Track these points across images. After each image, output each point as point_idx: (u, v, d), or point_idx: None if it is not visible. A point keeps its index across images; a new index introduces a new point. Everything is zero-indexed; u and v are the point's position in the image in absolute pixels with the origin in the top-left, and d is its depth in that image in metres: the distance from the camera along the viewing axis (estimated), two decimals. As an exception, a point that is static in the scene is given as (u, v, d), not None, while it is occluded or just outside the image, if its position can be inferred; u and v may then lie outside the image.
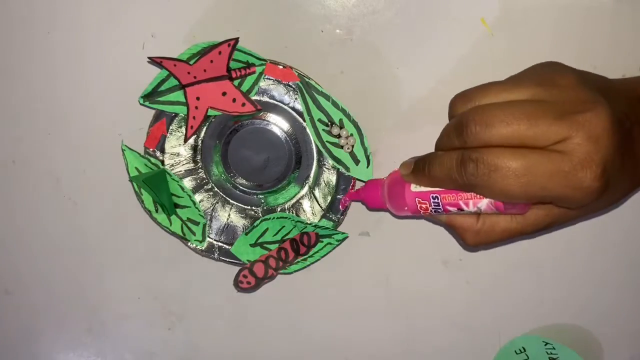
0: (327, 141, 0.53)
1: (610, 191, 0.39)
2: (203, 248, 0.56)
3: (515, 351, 0.59)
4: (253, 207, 0.56)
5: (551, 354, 0.58)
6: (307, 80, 0.51)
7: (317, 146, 0.53)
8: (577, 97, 0.39)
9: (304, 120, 0.53)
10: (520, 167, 0.38)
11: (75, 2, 0.53)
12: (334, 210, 0.55)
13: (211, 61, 0.50)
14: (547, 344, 0.58)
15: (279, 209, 0.56)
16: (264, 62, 0.51)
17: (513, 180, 0.38)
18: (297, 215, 0.55)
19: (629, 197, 0.47)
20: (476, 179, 0.40)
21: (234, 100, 0.51)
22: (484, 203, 0.42)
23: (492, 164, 0.39)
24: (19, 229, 0.59)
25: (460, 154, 0.41)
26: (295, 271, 0.56)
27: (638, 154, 0.41)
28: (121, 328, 0.62)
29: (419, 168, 0.45)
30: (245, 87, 0.51)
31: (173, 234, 0.55)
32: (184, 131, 0.53)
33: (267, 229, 0.55)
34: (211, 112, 0.52)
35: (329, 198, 0.55)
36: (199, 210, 0.55)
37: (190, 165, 0.55)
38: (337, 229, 0.55)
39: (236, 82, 0.51)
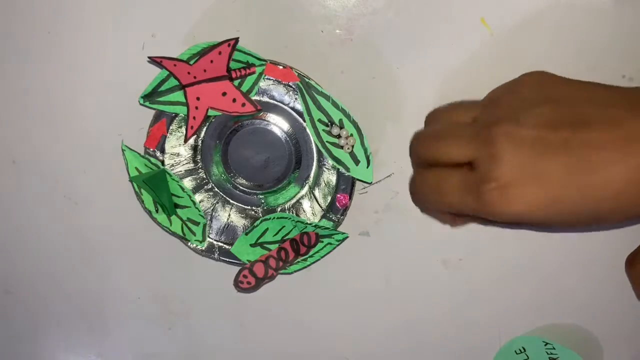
0: (327, 141, 0.53)
1: (537, 202, 0.40)
2: (203, 248, 0.56)
3: (515, 351, 0.59)
4: (253, 207, 0.56)
5: (551, 354, 0.58)
6: (307, 80, 0.51)
7: (317, 146, 0.53)
8: (494, 114, 0.43)
9: (304, 121, 0.53)
10: (434, 184, 0.45)
11: (75, 2, 0.53)
12: (334, 210, 0.55)
13: (211, 61, 0.50)
14: (547, 344, 0.58)
15: (279, 209, 0.56)
16: (264, 62, 0.51)
17: (432, 195, 0.46)
18: (297, 215, 0.55)
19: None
20: (419, 196, 0.48)
21: (234, 100, 0.51)
22: None
23: (419, 181, 0.48)
24: (19, 229, 0.59)
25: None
26: (295, 271, 0.56)
27: (588, 162, 0.40)
28: (121, 328, 0.62)
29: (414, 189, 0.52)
30: (245, 87, 0.51)
31: (173, 234, 0.55)
32: (184, 131, 0.53)
33: (267, 229, 0.55)
34: (211, 112, 0.52)
35: (329, 198, 0.55)
36: (199, 210, 0.55)
37: (190, 165, 0.55)
38: (337, 229, 0.55)
39: (236, 82, 0.51)
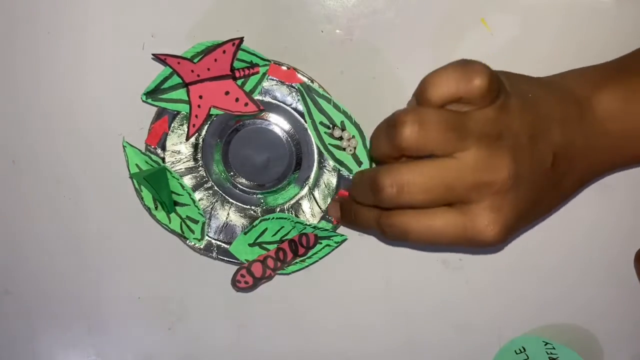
0: (329, 144, 0.53)
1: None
2: (201, 246, 0.56)
3: (515, 351, 0.59)
4: (252, 207, 0.56)
5: (551, 354, 0.58)
6: (307, 83, 0.51)
7: (319, 148, 0.53)
8: (488, 162, 0.40)
9: (305, 122, 0.53)
10: (426, 231, 0.42)
11: (75, 2, 0.53)
12: (334, 211, 0.55)
13: (215, 60, 0.50)
14: (547, 344, 0.58)
15: (278, 209, 0.56)
16: (267, 63, 0.51)
17: (423, 238, 0.42)
18: (297, 216, 0.55)
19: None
20: (394, 238, 0.43)
21: (237, 99, 0.51)
22: None
23: (403, 230, 0.42)
24: (19, 229, 0.59)
25: (377, 216, 0.44)
26: (294, 272, 0.56)
27: (563, 186, 0.46)
28: (121, 328, 0.61)
29: (347, 217, 0.52)
30: (248, 87, 0.52)
31: (172, 231, 0.55)
32: (186, 129, 0.53)
33: (266, 229, 0.55)
34: (214, 111, 0.52)
35: (329, 200, 0.55)
36: (199, 209, 0.55)
37: (191, 163, 0.55)
38: (336, 231, 0.55)
39: (239, 82, 0.51)
